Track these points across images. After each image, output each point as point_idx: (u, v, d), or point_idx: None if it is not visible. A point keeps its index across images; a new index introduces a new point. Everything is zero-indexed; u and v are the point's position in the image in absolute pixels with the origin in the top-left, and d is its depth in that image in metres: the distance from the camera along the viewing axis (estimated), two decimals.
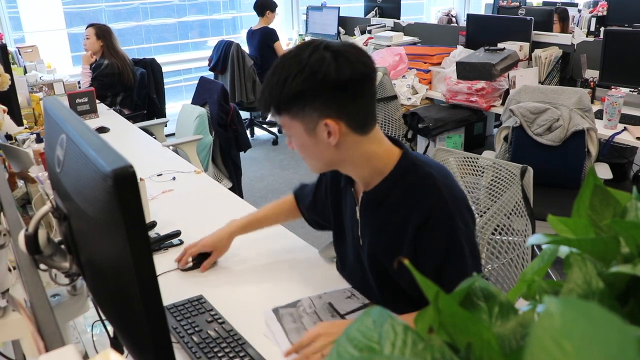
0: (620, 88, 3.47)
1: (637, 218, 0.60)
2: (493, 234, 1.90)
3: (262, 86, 1.35)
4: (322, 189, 1.68)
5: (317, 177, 1.72)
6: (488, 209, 1.94)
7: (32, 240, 0.99)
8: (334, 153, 1.35)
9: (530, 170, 1.86)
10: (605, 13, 6.54)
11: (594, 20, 6.30)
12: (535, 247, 1.99)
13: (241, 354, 1.32)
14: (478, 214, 1.94)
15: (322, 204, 1.69)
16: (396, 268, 1.36)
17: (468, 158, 2.09)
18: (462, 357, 0.45)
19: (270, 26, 6.04)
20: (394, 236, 1.40)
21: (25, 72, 4.39)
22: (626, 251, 0.56)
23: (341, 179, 1.54)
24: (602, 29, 5.23)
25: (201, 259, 1.76)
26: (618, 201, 0.63)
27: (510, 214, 1.87)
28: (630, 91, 3.60)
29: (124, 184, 0.69)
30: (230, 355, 1.32)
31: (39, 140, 2.40)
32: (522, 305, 0.55)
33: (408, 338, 0.44)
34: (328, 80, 1.24)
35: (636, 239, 0.55)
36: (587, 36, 5.33)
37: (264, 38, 5.96)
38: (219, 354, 1.31)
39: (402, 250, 1.37)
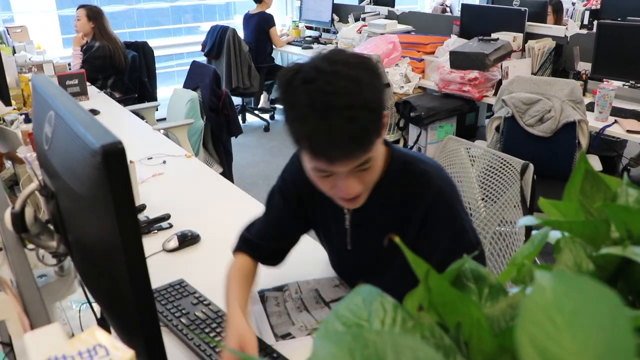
0: (612, 81, 3.48)
1: (628, 202, 0.60)
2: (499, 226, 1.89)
3: (339, 120, 1.03)
4: (295, 199, 1.45)
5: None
6: (494, 202, 1.92)
7: (18, 218, 0.98)
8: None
9: (531, 167, 1.82)
10: (598, 6, 6.54)
11: (587, 13, 6.30)
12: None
13: None
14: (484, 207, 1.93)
15: (300, 215, 1.46)
16: (386, 245, 1.32)
17: (468, 148, 2.08)
18: (452, 336, 0.45)
19: (268, 11, 6.00)
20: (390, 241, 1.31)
21: (14, 52, 4.33)
22: (616, 236, 0.56)
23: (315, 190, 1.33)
24: (595, 22, 5.23)
25: (185, 241, 1.75)
26: (608, 186, 0.63)
27: (506, 205, 1.87)
28: (622, 84, 3.61)
29: (113, 160, 0.68)
30: (222, 334, 1.32)
31: (27, 120, 2.37)
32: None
33: (397, 316, 0.44)
34: (378, 67, 1.13)
35: (626, 223, 0.55)
36: (580, 29, 5.33)
37: (261, 23, 5.92)
38: (211, 334, 1.31)
39: (399, 253, 1.28)
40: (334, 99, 1.02)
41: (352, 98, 1.03)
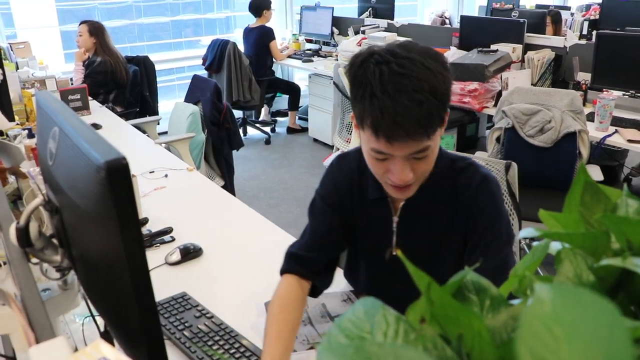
0: (612, 91, 3.49)
1: (628, 214, 0.60)
2: None
3: (408, 102, 1.07)
4: (337, 206, 1.43)
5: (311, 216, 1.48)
6: None
7: (23, 233, 0.98)
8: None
9: (514, 165, 1.87)
10: (597, 17, 6.58)
11: (586, 24, 6.33)
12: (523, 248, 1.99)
13: (236, 346, 1.32)
14: None
15: (342, 222, 1.44)
16: (387, 260, 1.33)
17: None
18: (454, 348, 0.46)
19: (268, 25, 6.04)
20: (444, 231, 1.34)
21: (17, 68, 4.36)
22: (616, 247, 0.56)
23: (363, 193, 1.39)
24: (594, 32, 5.26)
25: (188, 255, 1.76)
26: (609, 198, 0.64)
27: None
28: (622, 94, 3.62)
29: (117, 176, 0.69)
30: (226, 347, 1.32)
31: (30, 135, 2.39)
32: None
33: (400, 328, 0.44)
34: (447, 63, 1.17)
35: (626, 234, 0.55)
36: (579, 39, 5.36)
37: (261, 36, 5.96)
38: (214, 347, 1.32)
39: (452, 240, 1.33)
40: (406, 81, 1.07)
41: (422, 83, 1.07)
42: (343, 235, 1.44)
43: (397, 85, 1.07)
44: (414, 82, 1.07)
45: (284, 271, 1.41)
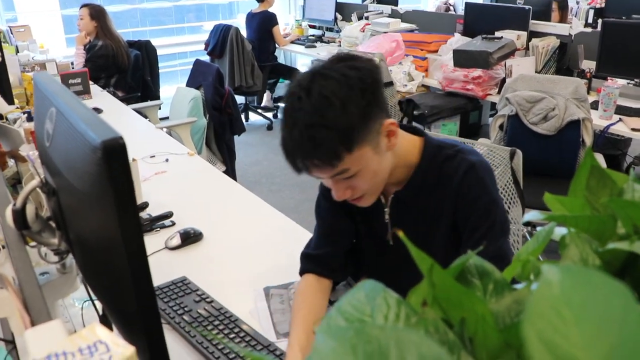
0: (617, 79, 3.47)
1: (634, 198, 0.59)
2: None
3: (299, 137, 1.10)
4: (339, 204, 1.40)
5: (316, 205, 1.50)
6: None
7: (20, 215, 0.97)
8: (391, 159, 1.25)
9: (519, 152, 1.85)
10: (603, 5, 6.52)
11: (591, 12, 6.28)
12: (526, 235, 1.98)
13: (235, 330, 1.32)
14: None
15: (347, 216, 1.47)
16: (389, 246, 1.32)
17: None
18: (456, 332, 0.44)
19: (271, 10, 6.00)
20: (431, 222, 1.34)
21: (17, 51, 4.33)
22: (622, 231, 0.55)
23: None
24: (599, 20, 5.21)
25: (188, 239, 1.75)
26: (615, 182, 0.63)
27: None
28: (627, 82, 3.59)
29: (114, 156, 0.68)
30: (225, 332, 1.31)
31: (30, 119, 2.37)
32: None
33: (401, 311, 0.43)
34: (374, 83, 1.16)
35: (633, 218, 0.54)
36: (584, 27, 5.31)
37: (263, 21, 5.92)
38: (214, 332, 1.31)
39: (439, 231, 1.34)
40: (300, 116, 1.09)
41: (314, 118, 1.08)
42: (350, 225, 1.46)
43: (292, 120, 1.11)
44: (306, 118, 1.09)
45: (302, 272, 1.46)
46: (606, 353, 0.24)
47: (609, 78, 3.49)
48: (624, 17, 5.11)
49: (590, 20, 6.12)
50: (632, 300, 0.26)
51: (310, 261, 1.45)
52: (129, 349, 0.60)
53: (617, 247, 0.49)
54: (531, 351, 0.27)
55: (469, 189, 1.28)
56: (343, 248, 1.47)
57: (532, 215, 0.58)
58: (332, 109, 1.08)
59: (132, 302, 0.78)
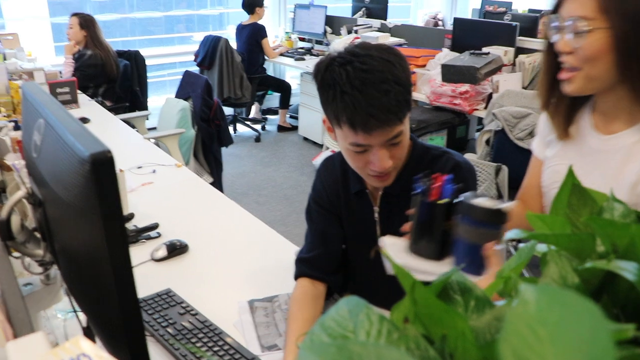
0: None
1: (613, 217, 0.60)
2: None
3: (376, 93, 1.18)
4: (329, 207, 1.52)
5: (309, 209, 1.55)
6: None
7: (4, 226, 0.97)
8: None
9: (504, 169, 1.87)
10: None
11: None
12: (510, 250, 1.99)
13: (219, 343, 1.31)
14: None
15: (336, 222, 1.52)
16: (372, 258, 1.36)
17: None
18: (437, 348, 0.45)
19: (260, 22, 6.03)
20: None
21: (5, 59, 4.32)
22: (602, 250, 0.56)
23: (347, 188, 1.48)
24: None
25: (174, 251, 1.75)
26: (595, 201, 0.64)
27: None
28: None
29: (102, 169, 0.68)
30: (209, 345, 1.31)
31: (16, 128, 2.36)
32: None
33: (383, 328, 0.43)
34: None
35: (612, 237, 0.55)
36: None
37: (253, 33, 5.94)
38: (197, 345, 1.31)
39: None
40: (370, 76, 1.18)
41: (385, 74, 1.19)
42: (340, 230, 1.51)
43: (363, 80, 1.18)
44: (377, 75, 1.18)
45: (296, 276, 1.49)
46: None
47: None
48: None
49: None
50: (603, 321, 0.27)
51: (304, 264, 1.48)
52: None
53: (595, 265, 0.50)
54: None
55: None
56: (335, 251, 1.50)
57: (514, 233, 0.59)
58: (397, 69, 1.21)
59: (116, 314, 0.78)
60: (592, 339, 0.26)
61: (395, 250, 1.21)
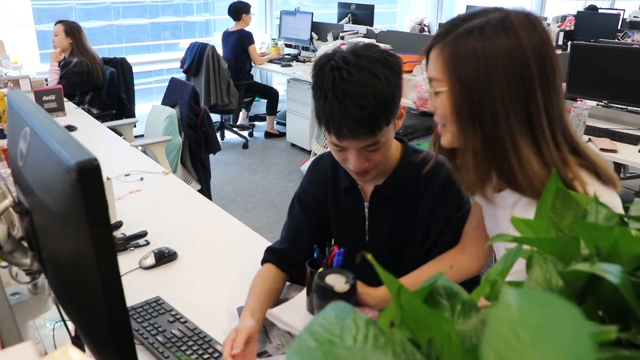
0: (586, 100, 3.55)
1: (597, 220, 0.61)
2: None
3: (352, 106, 1.22)
4: (312, 205, 1.60)
5: (295, 205, 1.63)
6: None
7: None
8: (392, 142, 1.40)
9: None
10: (572, 28, 6.69)
11: (562, 34, 6.44)
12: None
13: (209, 351, 1.31)
14: None
15: (318, 220, 1.60)
16: (358, 262, 1.37)
17: None
18: (424, 352, 0.46)
19: (247, 29, 6.03)
20: (409, 222, 1.47)
21: None
22: (586, 253, 0.57)
23: (337, 184, 1.55)
24: (569, 43, 5.34)
25: (162, 259, 1.74)
26: (579, 204, 0.65)
27: None
28: (596, 104, 3.68)
29: (88, 177, 0.68)
30: (199, 352, 1.31)
31: (2, 136, 2.35)
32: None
33: (370, 332, 0.44)
34: (402, 69, 1.31)
35: (595, 240, 0.56)
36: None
37: (240, 40, 5.95)
38: (187, 352, 1.30)
39: (417, 233, 1.47)
40: (351, 88, 1.22)
41: (365, 90, 1.22)
42: (316, 232, 1.59)
43: (344, 91, 1.22)
44: (358, 89, 1.22)
45: (262, 262, 1.61)
46: None
47: (578, 99, 3.57)
48: (592, 40, 5.25)
49: (560, 43, 6.27)
50: (583, 323, 0.27)
51: (272, 254, 1.60)
52: None
53: (578, 268, 0.51)
54: None
55: (448, 197, 1.44)
56: (305, 249, 1.56)
57: (498, 237, 0.60)
58: (381, 85, 1.23)
59: (105, 323, 0.78)
60: (573, 341, 0.27)
61: (287, 312, 1.40)
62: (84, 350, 1.11)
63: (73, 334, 1.18)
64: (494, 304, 0.54)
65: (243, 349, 1.21)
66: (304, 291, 1.46)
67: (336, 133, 1.27)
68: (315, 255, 1.46)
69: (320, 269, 1.38)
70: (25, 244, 1.04)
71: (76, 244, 0.78)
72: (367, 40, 5.27)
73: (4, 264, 1.06)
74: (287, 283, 1.62)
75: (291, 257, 1.57)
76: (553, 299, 0.29)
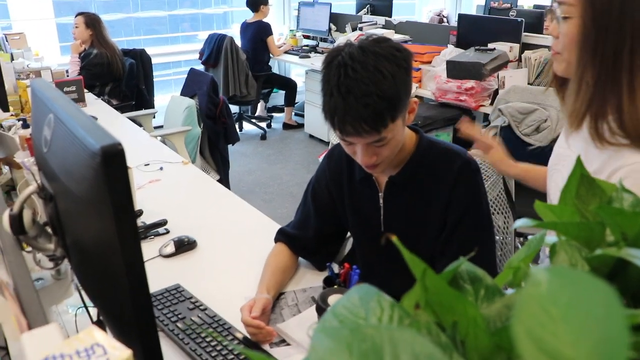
0: None
1: (623, 206, 0.60)
2: None
3: (355, 104, 1.22)
4: (324, 196, 1.62)
5: (307, 192, 1.67)
6: None
7: (16, 220, 0.98)
8: (403, 137, 1.40)
9: None
10: None
11: None
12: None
13: (229, 338, 1.32)
14: None
15: (329, 212, 1.63)
16: (382, 245, 1.37)
17: None
18: (448, 334, 0.45)
19: (265, 20, 6.03)
20: (424, 213, 1.47)
21: (12, 59, 4.34)
22: (611, 239, 0.56)
23: (352, 174, 1.55)
24: None
25: (182, 247, 1.76)
26: (604, 191, 0.64)
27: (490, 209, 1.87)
28: None
29: (113, 162, 0.69)
30: (218, 339, 1.31)
31: (25, 126, 2.37)
32: None
33: (394, 314, 0.44)
34: (411, 64, 1.31)
35: (621, 226, 0.55)
36: None
37: (258, 31, 5.95)
38: (207, 339, 1.31)
39: (432, 224, 1.46)
40: (355, 86, 1.22)
41: (369, 88, 1.22)
42: (323, 225, 1.63)
43: (348, 88, 1.22)
44: (362, 87, 1.22)
45: (275, 240, 1.69)
46: (591, 349, 0.26)
47: None
48: None
49: None
50: (615, 298, 0.27)
51: (284, 236, 1.67)
52: (126, 352, 0.60)
53: (605, 252, 0.50)
54: (521, 347, 0.28)
55: (462, 188, 1.43)
56: (312, 238, 1.63)
57: (522, 222, 0.60)
58: (386, 82, 1.22)
59: (128, 307, 0.79)
60: (606, 317, 0.26)
61: (294, 328, 1.40)
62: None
63: (95, 319, 1.20)
64: (519, 289, 0.54)
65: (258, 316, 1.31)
66: (313, 307, 1.45)
67: (340, 129, 1.28)
68: (329, 273, 1.49)
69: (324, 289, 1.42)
70: (49, 230, 1.05)
71: (100, 229, 0.78)
72: (384, 32, 5.25)
73: (28, 249, 1.07)
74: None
75: (300, 242, 1.65)
76: (583, 276, 0.29)
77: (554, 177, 1.36)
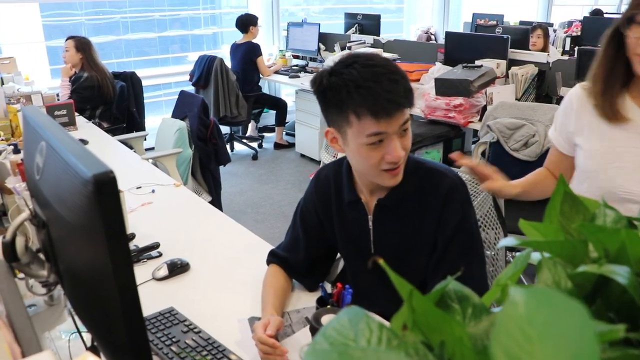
0: None
1: (605, 223, 0.62)
2: None
3: (387, 83, 1.30)
4: (312, 219, 1.63)
5: (296, 217, 1.68)
6: None
7: (9, 248, 0.98)
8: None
9: None
10: (579, 33, 6.69)
11: (568, 40, 6.44)
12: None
13: None
14: None
15: (318, 235, 1.64)
16: (370, 267, 1.38)
17: None
18: (436, 354, 0.47)
19: (255, 41, 6.07)
20: (413, 234, 1.48)
21: (2, 83, 4.34)
22: (594, 255, 0.58)
23: (340, 197, 1.56)
24: (576, 48, 5.35)
25: (175, 270, 1.76)
26: (587, 208, 0.66)
27: (480, 226, 1.89)
28: None
29: (105, 189, 0.70)
30: None
31: (16, 151, 2.38)
32: None
33: (383, 335, 0.45)
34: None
35: (603, 242, 0.57)
36: (562, 55, 5.44)
37: (248, 52, 5.98)
38: None
39: (423, 245, 1.47)
40: (379, 69, 1.29)
41: (390, 67, 1.31)
42: (313, 247, 1.64)
43: (374, 73, 1.29)
44: (385, 67, 1.30)
45: (268, 263, 1.69)
46: None
47: None
48: (599, 45, 5.24)
49: (567, 48, 6.27)
50: (589, 320, 0.28)
51: (276, 258, 1.68)
52: None
53: (587, 270, 0.51)
54: None
55: (450, 208, 1.44)
56: (302, 260, 1.64)
57: (507, 241, 0.61)
58: (395, 65, 1.34)
59: (122, 332, 0.80)
60: (580, 337, 0.28)
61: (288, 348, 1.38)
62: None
63: (88, 345, 1.20)
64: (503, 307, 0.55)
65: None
66: (307, 328, 1.45)
67: (386, 112, 1.28)
68: (321, 293, 1.50)
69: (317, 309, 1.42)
70: (42, 256, 1.06)
71: (93, 255, 0.79)
72: (373, 50, 5.29)
73: (21, 275, 1.07)
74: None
75: (290, 264, 1.65)
76: (559, 297, 0.30)
77: (610, 174, 1.53)
